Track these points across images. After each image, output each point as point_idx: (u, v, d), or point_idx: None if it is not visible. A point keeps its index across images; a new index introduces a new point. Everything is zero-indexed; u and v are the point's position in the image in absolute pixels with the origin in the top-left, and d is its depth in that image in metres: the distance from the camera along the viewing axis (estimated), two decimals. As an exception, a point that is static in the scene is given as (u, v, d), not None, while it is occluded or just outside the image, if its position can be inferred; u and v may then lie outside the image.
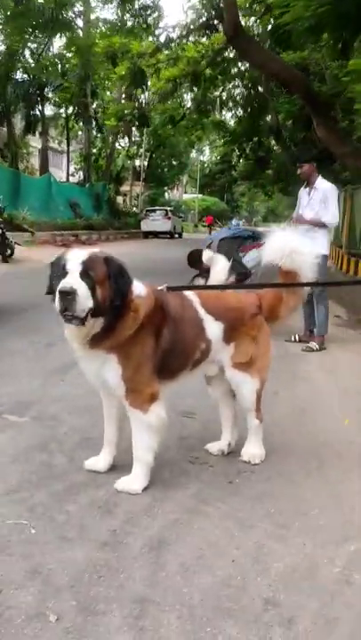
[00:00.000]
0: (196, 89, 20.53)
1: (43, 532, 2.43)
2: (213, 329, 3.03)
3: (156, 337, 2.79)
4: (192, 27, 17.04)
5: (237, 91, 28.59)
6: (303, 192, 6.42)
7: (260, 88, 21.94)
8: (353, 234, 15.66)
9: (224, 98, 26.39)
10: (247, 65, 18.56)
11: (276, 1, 15.10)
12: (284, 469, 3.17)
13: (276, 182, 35.82)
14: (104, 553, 2.31)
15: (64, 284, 2.50)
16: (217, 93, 27.63)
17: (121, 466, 3.01)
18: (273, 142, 34.99)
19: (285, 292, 3.26)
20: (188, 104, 27.49)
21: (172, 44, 17.65)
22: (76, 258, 2.57)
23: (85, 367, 2.85)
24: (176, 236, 33.52)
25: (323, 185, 6.22)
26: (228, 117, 36.89)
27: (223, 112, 36.49)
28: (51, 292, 2.64)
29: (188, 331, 2.94)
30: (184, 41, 17.58)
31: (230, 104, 27.21)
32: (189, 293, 3.09)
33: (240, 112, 31.73)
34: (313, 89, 14.87)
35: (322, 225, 6.08)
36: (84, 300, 2.51)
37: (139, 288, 2.79)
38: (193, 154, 51.24)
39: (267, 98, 21.81)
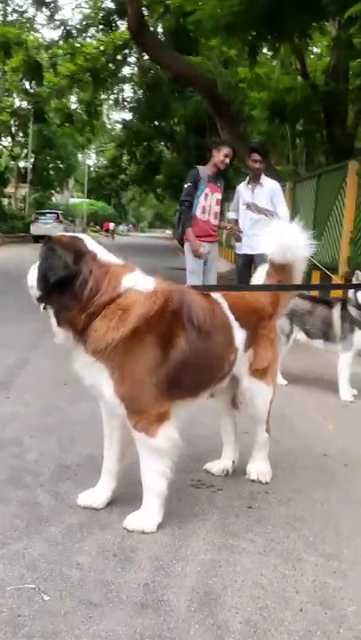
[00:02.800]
0: (79, 90, 19.85)
1: (59, 598, 1.88)
2: (240, 336, 2.61)
3: (165, 347, 2.26)
4: (91, 21, 16.44)
5: (128, 93, 28.38)
6: (245, 188, 6.21)
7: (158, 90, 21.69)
8: None
9: (119, 99, 25.91)
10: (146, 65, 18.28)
11: (177, 2, 15.11)
12: (299, 487, 2.84)
13: (168, 187, 35.98)
14: (146, 618, 1.81)
15: None
16: (104, 96, 27.12)
17: (118, 497, 2.52)
18: (164, 147, 35.20)
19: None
20: (74, 105, 26.59)
21: (71, 39, 16.92)
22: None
23: (82, 376, 2.37)
24: (68, 240, 32.29)
25: (270, 181, 6.10)
26: (118, 120, 36.61)
27: (115, 114, 36.15)
28: None
29: (216, 340, 2.46)
30: (83, 35, 16.93)
31: (126, 105, 26.71)
32: (218, 295, 2.64)
33: (131, 115, 31.51)
34: (218, 91, 14.90)
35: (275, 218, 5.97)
36: (29, 278, 2.29)
37: (139, 283, 2.27)
38: (80, 157, 50.06)
39: (167, 101, 21.67)
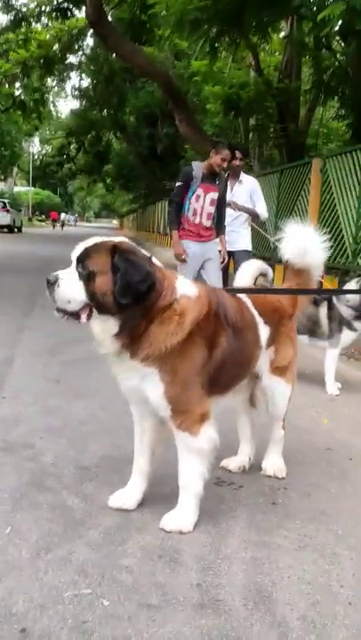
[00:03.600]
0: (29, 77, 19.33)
1: (118, 603, 1.88)
2: (264, 333, 2.68)
3: (210, 347, 2.32)
4: (44, 8, 16.03)
5: (77, 81, 27.80)
6: None
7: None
8: None
9: (70, 87, 25.39)
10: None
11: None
12: (314, 481, 2.92)
13: (118, 178, 35.69)
14: (208, 618, 1.84)
15: (53, 272, 2.24)
16: (53, 83, 26.52)
17: (147, 497, 2.54)
18: (113, 136, 34.82)
19: (298, 286, 3.01)
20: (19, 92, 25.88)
21: (24, 24, 16.45)
22: (80, 247, 2.23)
23: (121, 379, 2.35)
24: (16, 230, 31.58)
25: (249, 179, 6.19)
26: (65, 108, 35.84)
27: (63, 102, 35.35)
28: None
29: (247, 338, 2.54)
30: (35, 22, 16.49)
31: (77, 94, 26.21)
32: (242, 294, 2.70)
33: (79, 103, 30.99)
34: (176, 84, 14.87)
35: (255, 215, 6.04)
36: (67, 291, 2.19)
37: (186, 287, 2.32)
38: (24, 144, 48.81)
39: (121, 91, 21.45)
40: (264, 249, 11.36)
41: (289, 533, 2.41)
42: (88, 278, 2.15)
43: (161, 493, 2.57)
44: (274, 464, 2.96)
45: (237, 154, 6.07)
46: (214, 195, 5.52)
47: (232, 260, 6.07)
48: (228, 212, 6.04)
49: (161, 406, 2.30)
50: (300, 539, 2.37)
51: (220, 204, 5.60)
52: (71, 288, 2.18)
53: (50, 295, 2.24)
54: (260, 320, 2.66)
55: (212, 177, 5.50)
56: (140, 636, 1.74)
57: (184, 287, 2.31)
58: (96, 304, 2.17)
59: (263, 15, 9.82)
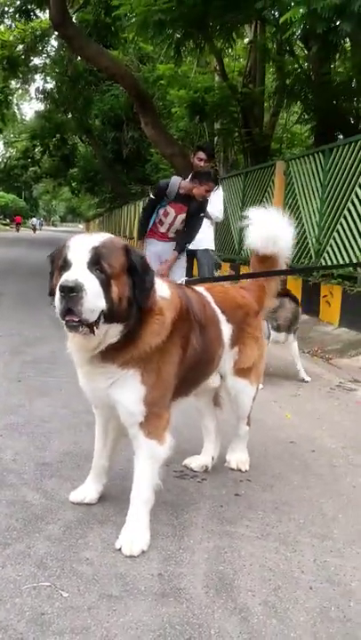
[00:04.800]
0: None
1: (78, 594, 1.85)
2: (226, 331, 2.61)
3: (185, 347, 2.24)
4: (7, 9, 15.86)
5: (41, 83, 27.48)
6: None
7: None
8: None
9: (35, 89, 25.18)
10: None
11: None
12: (277, 473, 2.95)
13: (84, 181, 35.43)
14: (170, 607, 1.83)
15: (66, 277, 1.88)
16: (17, 85, 26.13)
17: (109, 491, 2.51)
18: (78, 140, 34.58)
19: (265, 280, 3.00)
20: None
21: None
22: (83, 245, 1.96)
23: (89, 385, 2.20)
24: (-21, 233, 31.06)
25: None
26: (29, 111, 35.50)
27: (27, 104, 34.98)
28: (52, 292, 2.00)
29: (210, 335, 2.45)
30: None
31: (41, 96, 25.95)
32: (202, 289, 2.63)
33: (43, 106, 30.68)
34: (141, 87, 14.86)
35: (208, 216, 6.08)
36: (94, 299, 1.89)
37: (159, 285, 2.19)
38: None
39: (87, 94, 21.36)
40: (229, 251, 11.44)
41: (251, 523, 2.41)
42: (108, 282, 1.93)
43: (122, 487, 2.53)
44: (238, 458, 2.95)
45: (200, 154, 6.14)
46: (183, 216, 5.51)
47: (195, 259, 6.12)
48: None
49: (135, 412, 2.13)
50: (262, 528, 2.38)
51: (191, 221, 5.57)
52: (97, 296, 1.90)
53: (63, 304, 1.88)
54: (222, 317, 2.59)
55: (186, 198, 5.45)
56: (100, 626, 1.71)
57: (160, 289, 2.20)
58: (111, 311, 1.95)
59: (227, 19, 9.89)
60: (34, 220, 48.91)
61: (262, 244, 2.88)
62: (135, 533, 2.14)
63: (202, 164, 6.11)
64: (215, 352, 2.55)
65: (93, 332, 1.96)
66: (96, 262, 1.92)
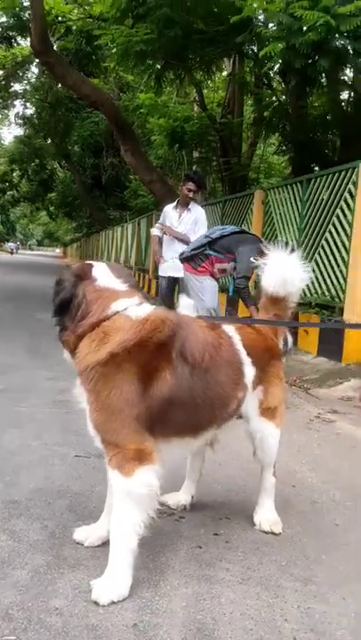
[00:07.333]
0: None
1: (46, 650, 1.71)
2: (250, 373, 2.48)
3: (146, 379, 2.09)
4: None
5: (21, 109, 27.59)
6: (172, 210, 6.30)
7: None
8: (140, 254, 18.08)
9: (15, 114, 25.26)
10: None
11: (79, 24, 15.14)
12: (257, 510, 2.83)
13: (62, 206, 35.44)
14: (145, 662, 1.70)
15: None
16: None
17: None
18: (57, 165, 34.73)
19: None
20: None
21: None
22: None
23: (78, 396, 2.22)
24: None
25: (197, 208, 6.27)
26: (8, 135, 35.59)
27: (5, 129, 35.08)
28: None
29: (216, 378, 2.30)
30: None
31: (22, 122, 26.03)
32: (230, 329, 2.50)
33: (23, 131, 30.82)
34: (122, 115, 14.99)
35: (187, 242, 6.06)
36: None
37: (128, 307, 2.14)
38: None
39: (67, 120, 21.51)
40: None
41: (231, 566, 2.30)
42: None
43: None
44: (269, 519, 2.66)
45: (189, 184, 6.19)
46: None
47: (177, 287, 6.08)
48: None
49: (91, 433, 2.14)
50: (242, 571, 2.27)
51: None
52: None
53: None
54: (247, 359, 2.47)
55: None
56: None
57: (127, 308, 2.14)
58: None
59: (206, 52, 10.07)
60: (11, 243, 49.02)
61: (276, 286, 2.74)
62: (106, 581, 2.02)
63: (190, 194, 6.13)
64: (229, 395, 2.39)
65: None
66: None
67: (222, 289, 6.47)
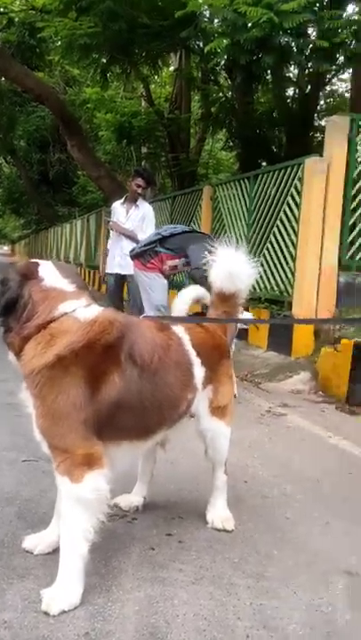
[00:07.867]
0: None
1: (-6, 666, 1.66)
2: (199, 374, 2.46)
3: (94, 382, 2.04)
4: None
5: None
6: (120, 207, 6.24)
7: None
8: (89, 251, 17.90)
9: None
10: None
11: (26, 16, 14.78)
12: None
13: (8, 202, 34.62)
14: (97, 671, 1.67)
15: None
16: None
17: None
18: (2, 161, 33.87)
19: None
20: None
21: None
22: None
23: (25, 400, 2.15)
24: None
25: (145, 205, 6.22)
26: None
27: None
28: None
29: (165, 380, 2.27)
30: None
31: None
32: (180, 329, 2.47)
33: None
34: (68, 109, 14.75)
35: (135, 240, 6.02)
36: None
37: (76, 308, 2.09)
38: None
39: (11, 114, 20.98)
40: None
41: (184, 566, 2.29)
42: None
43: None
44: (221, 516, 2.67)
45: (138, 180, 6.14)
46: None
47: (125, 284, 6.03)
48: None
49: (38, 438, 2.09)
50: (195, 571, 2.26)
51: None
52: None
53: None
54: (196, 360, 2.44)
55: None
56: None
57: (75, 310, 2.08)
58: None
59: (152, 46, 10.01)
60: None
61: (224, 283, 2.73)
62: (56, 590, 1.98)
63: (140, 190, 6.08)
64: (179, 396, 2.37)
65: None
66: None
67: (179, 287, 6.46)
